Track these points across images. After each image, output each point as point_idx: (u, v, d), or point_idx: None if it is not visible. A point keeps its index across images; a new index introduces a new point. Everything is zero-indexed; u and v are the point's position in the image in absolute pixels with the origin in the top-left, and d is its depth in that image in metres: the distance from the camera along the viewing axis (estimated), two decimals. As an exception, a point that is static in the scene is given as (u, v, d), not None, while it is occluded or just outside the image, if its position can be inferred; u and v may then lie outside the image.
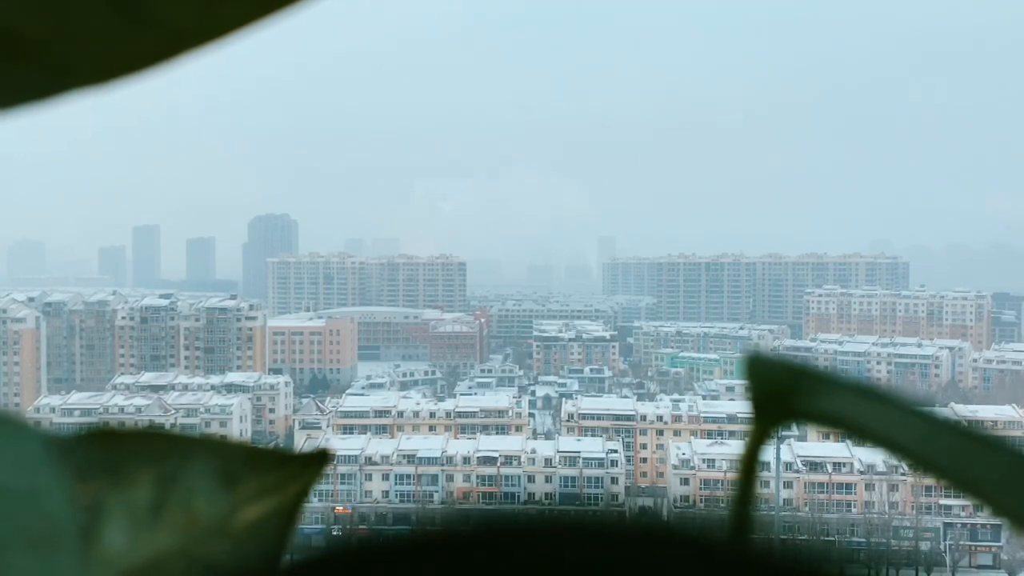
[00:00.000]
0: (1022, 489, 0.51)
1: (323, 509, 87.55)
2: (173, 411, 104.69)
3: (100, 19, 0.53)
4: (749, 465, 0.59)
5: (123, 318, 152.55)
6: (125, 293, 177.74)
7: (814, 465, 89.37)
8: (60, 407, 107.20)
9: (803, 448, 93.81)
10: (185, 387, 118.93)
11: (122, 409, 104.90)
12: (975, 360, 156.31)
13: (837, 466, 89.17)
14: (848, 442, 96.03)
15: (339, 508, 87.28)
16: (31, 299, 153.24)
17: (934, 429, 0.55)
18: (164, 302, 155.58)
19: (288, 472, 0.68)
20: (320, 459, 0.69)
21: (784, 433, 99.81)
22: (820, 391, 0.57)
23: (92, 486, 0.64)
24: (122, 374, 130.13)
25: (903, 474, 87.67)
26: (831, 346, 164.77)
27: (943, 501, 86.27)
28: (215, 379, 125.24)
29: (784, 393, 0.58)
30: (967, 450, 0.54)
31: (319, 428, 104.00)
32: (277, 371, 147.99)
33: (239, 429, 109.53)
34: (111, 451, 0.66)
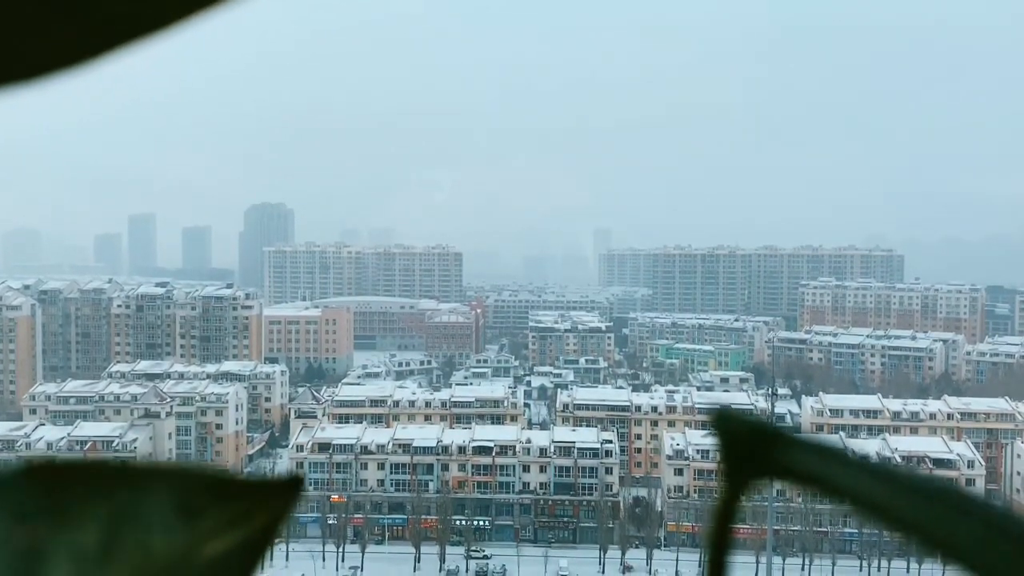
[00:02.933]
0: (993, 548, 0.52)
1: (319, 497, 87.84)
2: (169, 399, 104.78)
3: (29, 8, 0.50)
4: (723, 522, 0.59)
5: (119, 306, 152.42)
6: (121, 281, 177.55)
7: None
8: (55, 395, 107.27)
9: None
10: (181, 376, 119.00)
11: (118, 397, 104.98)
12: (968, 353, 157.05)
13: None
14: (841, 433, 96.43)
15: (335, 496, 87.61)
16: (27, 287, 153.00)
17: (903, 489, 0.56)
18: (160, 291, 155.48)
19: (256, 500, 0.62)
20: (292, 485, 0.64)
21: (779, 425, 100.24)
22: (790, 449, 0.59)
23: (31, 529, 0.58)
24: (118, 362, 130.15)
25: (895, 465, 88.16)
26: (826, 338, 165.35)
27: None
28: (211, 368, 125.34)
29: (756, 451, 0.59)
30: (938, 510, 0.54)
31: (315, 417, 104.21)
32: (273, 360, 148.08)
33: (235, 418, 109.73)
34: (53, 488, 0.59)
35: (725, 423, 0.59)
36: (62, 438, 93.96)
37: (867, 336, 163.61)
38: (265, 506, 0.62)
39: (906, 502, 0.56)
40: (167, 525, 0.60)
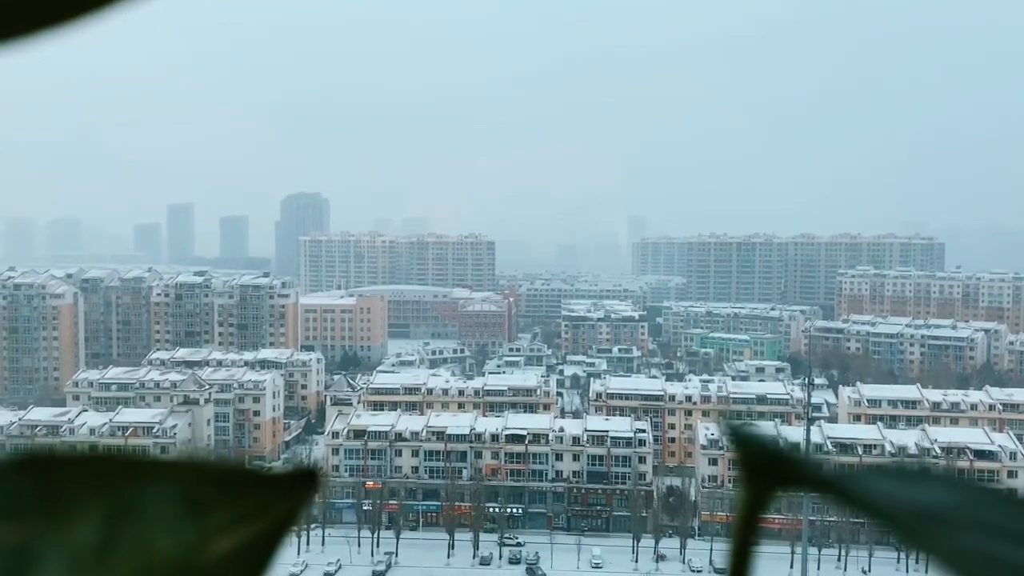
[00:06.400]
0: (974, 560, 0.53)
1: (354, 483, 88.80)
2: (207, 386, 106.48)
3: None
4: (744, 532, 0.61)
5: (158, 295, 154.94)
6: (160, 270, 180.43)
7: (844, 447, 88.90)
8: (98, 381, 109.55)
9: (833, 430, 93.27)
10: (219, 363, 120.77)
11: (158, 384, 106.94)
12: (1011, 343, 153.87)
13: (868, 448, 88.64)
14: (879, 424, 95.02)
15: (370, 483, 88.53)
16: (69, 276, 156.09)
17: (889, 495, 0.58)
18: (198, 279, 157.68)
19: (270, 494, 0.58)
20: (309, 478, 0.60)
21: (815, 415, 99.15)
22: (800, 463, 0.62)
23: (23, 525, 0.54)
24: (158, 350, 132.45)
25: (935, 456, 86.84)
26: (864, 327, 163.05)
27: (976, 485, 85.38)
28: (248, 355, 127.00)
29: (774, 460, 0.62)
30: (921, 516, 0.56)
31: (350, 404, 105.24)
32: (309, 348, 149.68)
33: (272, 405, 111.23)
34: (48, 481, 0.55)
35: (738, 432, 0.64)
36: (104, 424, 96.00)
37: (906, 325, 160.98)
38: (279, 500, 0.59)
39: (892, 506, 0.58)
40: (171, 521, 0.56)
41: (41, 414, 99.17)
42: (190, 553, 0.56)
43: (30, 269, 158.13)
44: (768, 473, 0.61)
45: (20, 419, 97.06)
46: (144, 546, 0.55)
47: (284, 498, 0.59)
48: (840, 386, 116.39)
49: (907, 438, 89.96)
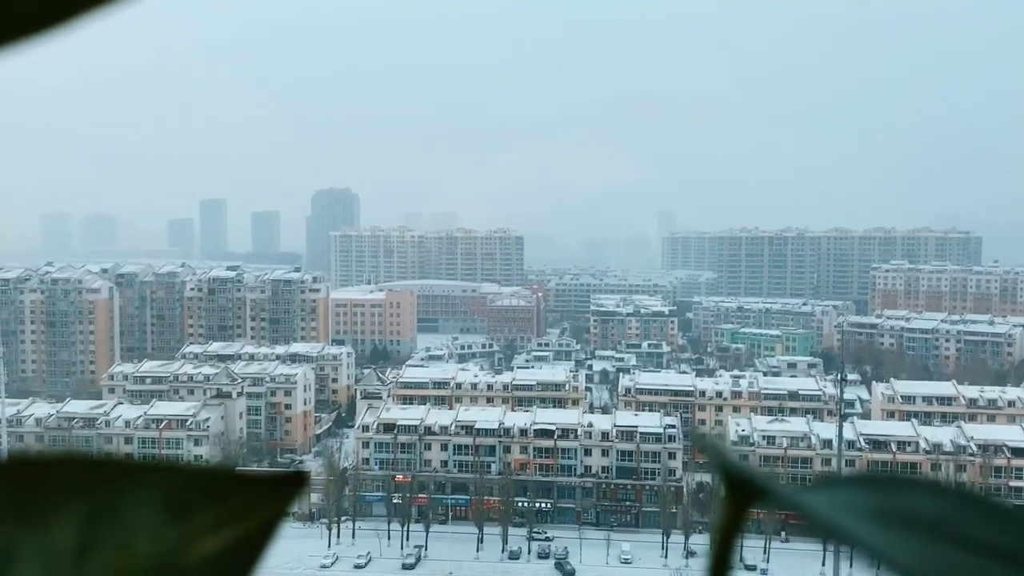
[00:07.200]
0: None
1: (384, 477, 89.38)
2: (240, 380, 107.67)
3: None
4: (725, 543, 0.64)
5: (192, 289, 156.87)
6: (193, 265, 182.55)
7: (877, 444, 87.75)
8: (132, 375, 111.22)
9: (866, 426, 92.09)
10: (251, 357, 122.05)
11: (191, 377, 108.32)
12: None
13: (902, 445, 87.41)
14: (913, 421, 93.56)
15: (399, 476, 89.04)
16: (104, 271, 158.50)
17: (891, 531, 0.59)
18: (231, 274, 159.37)
19: (255, 497, 0.58)
20: (294, 481, 0.59)
21: (847, 411, 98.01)
22: (775, 485, 0.69)
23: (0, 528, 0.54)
24: (191, 344, 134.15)
25: (971, 454, 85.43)
26: (898, 323, 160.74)
27: (1013, 483, 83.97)
28: (280, 349, 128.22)
29: (752, 479, 0.67)
30: (932, 555, 0.56)
31: (380, 398, 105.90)
32: (339, 342, 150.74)
33: (303, 398, 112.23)
34: (26, 485, 0.55)
35: (724, 461, 0.68)
36: (139, 417, 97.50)
37: (942, 321, 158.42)
38: (265, 502, 0.59)
39: (846, 524, 0.62)
40: (152, 524, 0.56)
41: (78, 407, 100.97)
42: (171, 556, 0.55)
43: (66, 264, 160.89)
44: (747, 490, 0.66)
45: (58, 412, 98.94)
46: (123, 549, 0.55)
47: (269, 500, 0.59)
48: (873, 382, 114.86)
49: (942, 435, 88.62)
